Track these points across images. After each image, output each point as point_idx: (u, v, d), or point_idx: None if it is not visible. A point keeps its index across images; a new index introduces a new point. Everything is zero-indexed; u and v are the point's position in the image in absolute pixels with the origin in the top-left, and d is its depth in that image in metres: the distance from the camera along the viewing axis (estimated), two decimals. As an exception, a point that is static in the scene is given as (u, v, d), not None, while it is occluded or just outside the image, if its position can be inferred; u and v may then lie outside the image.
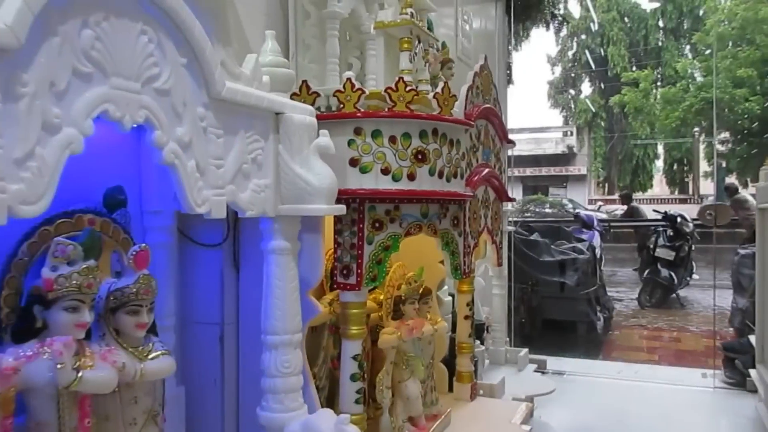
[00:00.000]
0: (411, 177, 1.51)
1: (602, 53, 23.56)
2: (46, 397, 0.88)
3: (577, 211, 11.84)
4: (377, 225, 1.49)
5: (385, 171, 1.48)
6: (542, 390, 2.69)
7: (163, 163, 1.00)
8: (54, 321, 0.88)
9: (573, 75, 26.84)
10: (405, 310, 1.81)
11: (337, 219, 1.51)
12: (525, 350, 3.04)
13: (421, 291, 1.86)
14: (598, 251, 7.08)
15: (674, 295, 8.20)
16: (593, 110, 23.75)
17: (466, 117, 1.71)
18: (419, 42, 1.77)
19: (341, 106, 1.50)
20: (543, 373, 3.52)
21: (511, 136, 2.29)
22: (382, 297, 1.85)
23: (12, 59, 0.76)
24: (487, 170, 1.88)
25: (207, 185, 1.09)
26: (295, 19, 1.70)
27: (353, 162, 1.47)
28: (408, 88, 1.49)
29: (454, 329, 2.33)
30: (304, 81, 1.50)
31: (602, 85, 24.75)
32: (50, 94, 0.81)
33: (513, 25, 5.14)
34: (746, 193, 9.20)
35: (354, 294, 1.51)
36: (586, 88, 27.04)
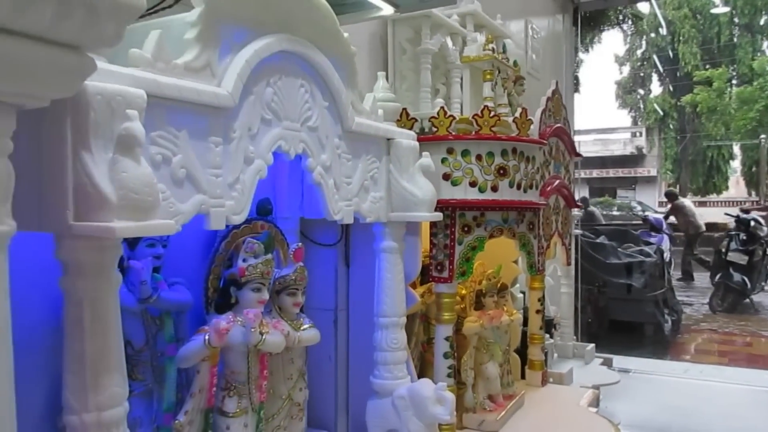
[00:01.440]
0: (494, 189, 1.80)
1: (670, 53, 22.92)
2: (239, 353, 1.22)
3: (645, 213, 11.72)
4: (466, 229, 1.79)
5: (473, 184, 1.78)
6: (608, 380, 2.91)
7: (313, 183, 1.33)
8: (244, 298, 1.22)
9: (642, 74, 26.24)
10: (485, 302, 2.10)
11: (433, 224, 1.82)
12: (592, 345, 3.25)
13: (499, 286, 2.14)
14: (667, 255, 7.12)
15: (747, 300, 8.09)
16: (661, 112, 23.13)
17: (540, 136, 1.99)
18: (499, 72, 2.05)
19: (435, 129, 1.80)
20: (609, 368, 3.70)
21: (577, 138, 2.54)
22: (464, 291, 2.14)
23: (229, 114, 1.10)
24: (558, 181, 2.15)
25: (341, 198, 1.41)
26: (394, 54, 2.02)
27: (446, 176, 1.78)
28: (492, 114, 1.78)
29: (525, 323, 2.59)
30: (404, 109, 1.81)
31: (670, 87, 24.06)
32: (248, 136, 1.15)
33: (582, 31, 5.31)
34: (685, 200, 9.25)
35: (446, 286, 1.81)
36: (656, 87, 26.35)
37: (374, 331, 1.63)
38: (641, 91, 26.75)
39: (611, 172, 25.96)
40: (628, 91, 27.14)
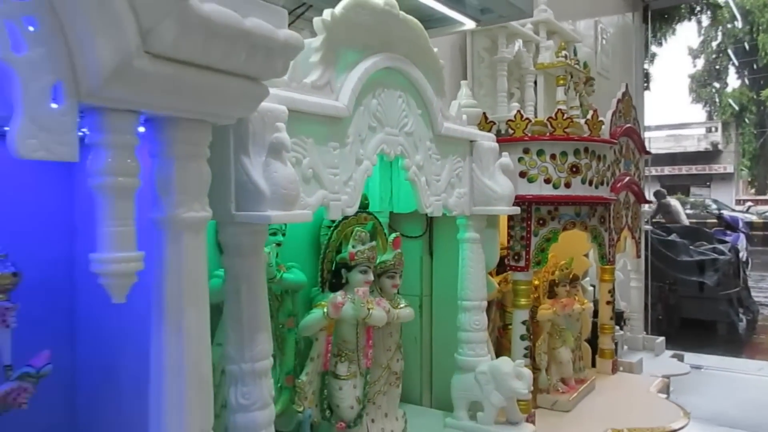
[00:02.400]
0: (567, 185, 1.95)
1: (747, 45, 21.90)
2: (350, 325, 1.44)
3: (720, 211, 11.38)
4: (541, 222, 1.95)
5: (547, 181, 1.94)
6: (678, 371, 2.98)
7: (408, 180, 1.53)
8: (353, 279, 1.44)
9: (717, 67, 25.23)
10: (558, 291, 2.25)
11: (510, 217, 1.99)
12: (662, 338, 3.32)
13: (571, 276, 2.29)
14: (742, 254, 6.96)
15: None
16: (735, 108, 22.16)
17: (611, 136, 2.12)
18: (571, 77, 2.20)
19: (512, 131, 1.97)
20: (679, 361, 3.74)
21: (648, 134, 2.63)
22: (536, 282, 2.30)
23: (344, 123, 1.31)
24: (627, 178, 2.28)
25: (432, 194, 1.61)
26: (472, 63, 2.20)
27: (522, 174, 1.95)
28: (565, 116, 1.93)
29: (595, 315, 2.71)
30: (484, 113, 1.98)
31: (746, 79, 23.00)
32: (358, 141, 1.36)
33: (654, 25, 5.29)
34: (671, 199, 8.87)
35: (523, 274, 1.98)
36: (733, 80, 25.26)
37: (458, 314, 1.81)
38: (717, 85, 25.71)
39: (684, 169, 25.05)
40: (703, 85, 26.14)
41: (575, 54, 2.40)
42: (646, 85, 5.34)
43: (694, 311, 5.68)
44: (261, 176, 1.04)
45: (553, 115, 1.93)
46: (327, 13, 1.28)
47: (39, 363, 0.88)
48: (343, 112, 1.29)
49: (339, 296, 1.37)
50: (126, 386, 1.01)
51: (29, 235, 1.02)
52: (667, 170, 24.11)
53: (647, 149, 2.54)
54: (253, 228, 1.07)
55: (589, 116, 1.99)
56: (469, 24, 1.81)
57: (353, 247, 1.43)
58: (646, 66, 5.19)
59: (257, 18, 0.83)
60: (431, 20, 1.83)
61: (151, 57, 0.73)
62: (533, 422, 1.90)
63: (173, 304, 0.85)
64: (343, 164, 1.32)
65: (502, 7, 1.80)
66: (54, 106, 0.69)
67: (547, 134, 1.94)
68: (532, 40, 2.31)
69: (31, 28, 0.67)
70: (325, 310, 1.36)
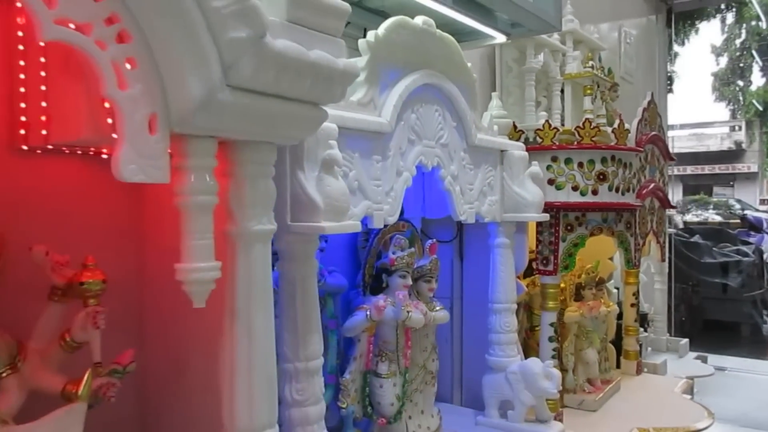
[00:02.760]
0: (594, 192, 2.02)
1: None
2: (390, 327, 1.52)
3: (744, 212, 11.27)
4: (569, 228, 2.02)
5: (575, 188, 2.01)
6: (702, 372, 3.03)
7: (444, 189, 1.61)
8: (393, 283, 1.52)
9: (741, 65, 24.88)
10: (584, 294, 2.32)
11: (539, 223, 2.06)
12: (685, 340, 3.36)
13: (597, 280, 2.35)
14: (767, 255, 6.92)
15: None
16: (759, 107, 21.82)
17: (637, 144, 2.18)
18: (598, 87, 2.26)
19: (540, 140, 2.04)
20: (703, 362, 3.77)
21: (670, 134, 2.68)
22: (563, 285, 2.36)
23: (386, 137, 1.40)
24: (653, 185, 2.33)
25: (465, 202, 1.69)
26: (501, 73, 2.27)
27: (550, 182, 2.02)
28: (592, 125, 2.00)
29: (619, 317, 2.77)
30: (513, 122, 2.06)
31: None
32: (399, 154, 1.45)
33: (678, 24, 5.29)
34: None
35: (551, 278, 2.05)
36: (757, 78, 24.86)
37: (488, 316, 1.89)
38: (740, 83, 25.34)
39: (706, 169, 24.74)
40: (726, 83, 25.78)
41: (600, 61, 2.46)
42: (669, 87, 5.36)
43: (717, 313, 5.68)
44: (315, 190, 1.13)
45: (580, 125, 1.99)
46: (371, 35, 1.37)
47: (125, 360, 0.97)
48: (385, 127, 1.38)
49: (381, 300, 1.46)
50: (195, 382, 1.10)
51: (106, 245, 1.12)
52: (689, 170, 23.83)
53: (672, 155, 2.59)
54: (306, 237, 1.16)
55: (615, 125, 2.06)
56: (500, 38, 1.89)
57: (393, 253, 1.52)
58: (669, 66, 5.20)
59: (320, 50, 0.92)
60: (464, 34, 1.91)
61: (231, 89, 0.82)
62: (561, 421, 1.97)
63: (244, 309, 0.95)
64: (385, 176, 1.40)
65: (531, 21, 1.87)
66: (150, 135, 0.78)
67: (575, 143, 2.01)
68: (559, 50, 2.38)
69: (132, 68, 0.77)
70: (368, 312, 1.45)
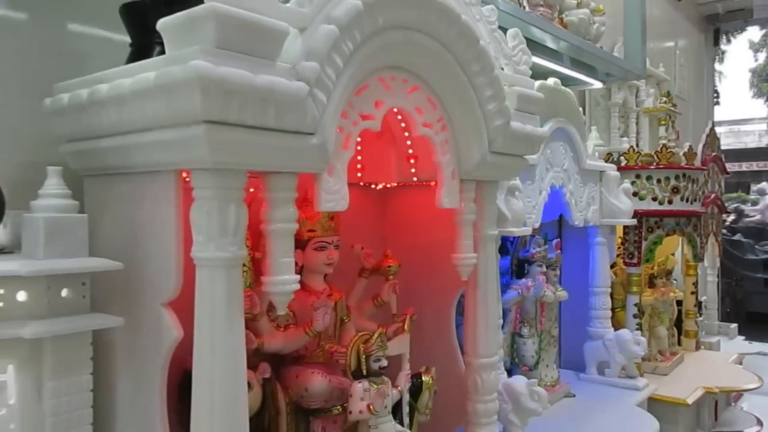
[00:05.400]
0: (669, 202, 2.59)
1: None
2: (531, 302, 2.12)
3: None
4: (650, 229, 2.60)
5: (654, 199, 2.58)
6: (751, 351, 3.57)
7: (565, 202, 2.20)
8: (533, 270, 2.12)
9: (781, 61, 24.76)
10: (656, 282, 2.89)
11: (625, 226, 2.64)
12: (735, 324, 3.90)
13: (666, 271, 2.92)
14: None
15: None
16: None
17: (702, 163, 2.75)
18: (670, 118, 2.83)
19: (626, 161, 2.62)
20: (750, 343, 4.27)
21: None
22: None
23: (533, 168, 2.00)
24: (713, 195, 2.90)
25: (578, 210, 2.28)
26: (590, 106, 2.85)
27: (635, 194, 2.60)
28: (668, 150, 2.57)
29: (679, 304, 3.32)
30: (609, 152, 2.64)
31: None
32: (540, 178, 2.04)
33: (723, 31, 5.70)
34: None
35: (636, 268, 2.64)
36: (797, 75, 24.69)
37: (589, 297, 2.48)
38: (780, 79, 25.21)
39: (744, 166, 24.67)
40: (765, 80, 25.67)
41: (669, 95, 3.02)
42: (716, 100, 5.84)
43: (760, 305, 6.14)
44: (504, 207, 1.74)
45: (658, 149, 2.57)
46: (526, 97, 1.97)
47: (410, 312, 1.57)
48: (534, 161, 1.98)
49: (529, 282, 2.07)
50: (430, 332, 1.71)
51: (371, 243, 1.74)
52: (727, 167, 23.83)
53: (727, 170, 3.15)
54: (496, 240, 1.77)
55: (686, 149, 2.63)
56: (597, 84, 2.47)
57: (533, 248, 2.12)
58: (717, 65, 5.64)
59: (531, 125, 1.52)
60: (570, 80, 2.49)
61: (491, 153, 1.43)
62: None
63: (482, 281, 1.55)
64: (533, 194, 2.00)
65: (621, 72, 2.44)
66: (452, 181, 1.39)
67: (654, 164, 2.58)
68: (634, 86, 2.94)
69: (447, 144, 1.38)
70: (520, 290, 2.05)
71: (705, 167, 2.76)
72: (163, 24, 0.90)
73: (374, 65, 1.17)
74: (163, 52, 1.12)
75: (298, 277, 1.04)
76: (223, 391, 0.93)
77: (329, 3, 1.01)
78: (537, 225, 2.01)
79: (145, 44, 1.14)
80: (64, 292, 0.93)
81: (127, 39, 1.25)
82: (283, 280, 1.02)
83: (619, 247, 2.67)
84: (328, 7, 1.01)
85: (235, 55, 0.86)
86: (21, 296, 0.90)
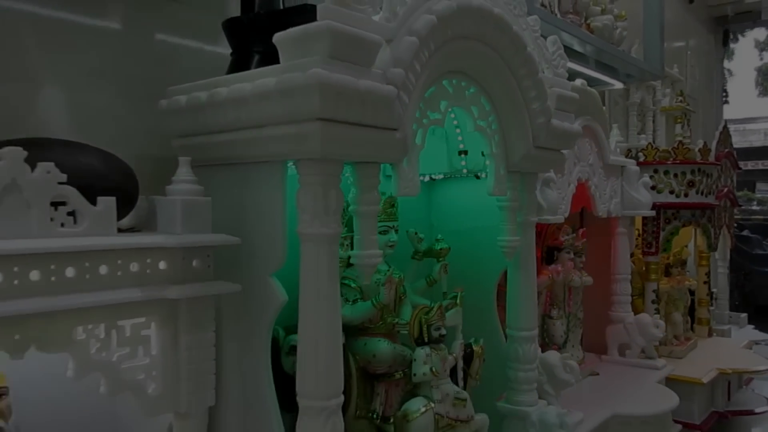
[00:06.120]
0: (685, 195, 2.77)
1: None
2: (560, 285, 2.30)
3: (789, 208, 11.63)
4: (667, 221, 2.77)
5: (671, 192, 2.76)
6: (759, 338, 3.74)
7: (590, 194, 2.38)
8: (561, 257, 2.30)
9: (787, 60, 24.81)
10: (672, 271, 3.06)
11: (644, 217, 2.81)
12: (744, 314, 4.07)
13: (681, 261, 3.09)
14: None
15: None
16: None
17: (716, 159, 2.92)
18: (686, 116, 3.00)
19: (644, 157, 2.80)
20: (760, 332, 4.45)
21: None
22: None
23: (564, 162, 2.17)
24: (726, 189, 3.08)
25: (601, 203, 2.45)
26: (610, 105, 3.03)
27: (653, 187, 2.77)
28: (684, 147, 2.75)
29: (691, 293, 3.50)
30: (629, 148, 2.81)
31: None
32: (568, 172, 2.22)
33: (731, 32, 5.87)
34: None
35: (654, 257, 2.81)
36: (803, 74, 24.74)
37: (611, 283, 2.66)
38: (786, 78, 25.27)
39: (749, 165, 24.72)
40: (770, 79, 25.71)
41: (682, 94, 3.20)
42: (725, 99, 6.00)
43: (767, 299, 6.31)
44: (540, 197, 1.92)
45: (675, 145, 2.74)
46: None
47: (460, 290, 1.75)
48: (568, 156, 2.16)
49: (559, 267, 2.24)
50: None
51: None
52: (733, 166, 23.87)
53: (738, 166, 3.32)
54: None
55: (701, 146, 2.80)
56: (618, 85, 2.64)
57: (562, 237, 2.30)
58: (726, 63, 5.77)
59: (567, 122, 1.69)
60: (592, 81, 2.67)
61: (536, 148, 1.60)
62: (661, 360, 2.73)
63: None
64: (563, 187, 2.18)
65: (641, 73, 2.62)
66: (501, 173, 1.57)
67: (670, 159, 2.76)
68: (651, 86, 3.12)
69: (496, 135, 1.55)
70: (551, 275, 2.23)
71: (719, 162, 2.93)
72: (279, 37, 1.08)
73: (441, 70, 1.34)
74: (262, 61, 1.31)
75: (381, 252, 1.22)
76: (326, 346, 1.11)
77: (411, 17, 1.19)
78: (566, 215, 2.18)
79: (245, 54, 1.32)
80: (195, 262, 1.11)
81: (217, 50, 1.43)
82: (369, 254, 1.20)
83: (636, 238, 2.84)
84: (410, 21, 1.19)
85: (342, 64, 1.04)
86: (162, 265, 1.08)
